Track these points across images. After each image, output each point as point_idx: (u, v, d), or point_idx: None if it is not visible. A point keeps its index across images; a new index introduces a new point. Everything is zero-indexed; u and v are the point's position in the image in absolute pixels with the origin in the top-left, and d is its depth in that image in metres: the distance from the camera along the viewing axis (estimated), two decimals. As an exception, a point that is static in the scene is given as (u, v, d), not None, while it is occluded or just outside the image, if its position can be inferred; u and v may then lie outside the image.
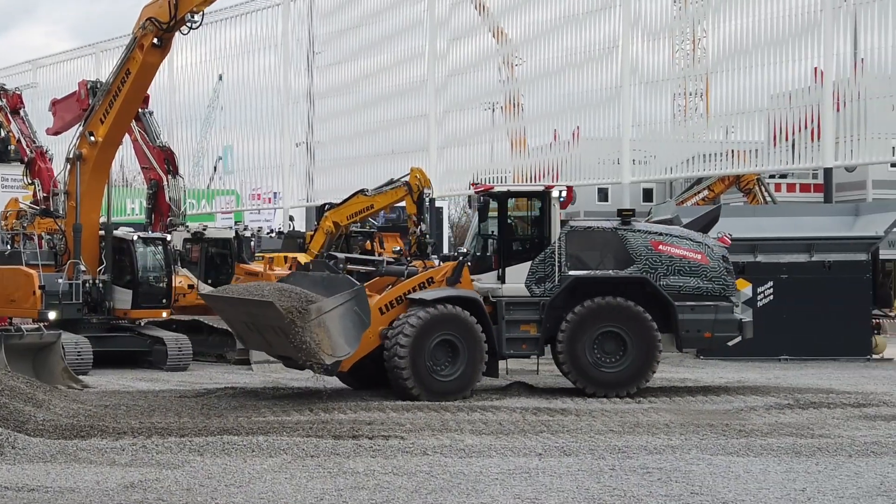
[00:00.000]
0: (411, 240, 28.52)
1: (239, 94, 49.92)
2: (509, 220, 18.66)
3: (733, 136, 36.69)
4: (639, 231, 18.09)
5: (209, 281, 27.05)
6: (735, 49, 35.39)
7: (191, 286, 26.48)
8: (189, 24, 21.60)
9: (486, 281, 18.13)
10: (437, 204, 44.89)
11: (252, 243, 31.88)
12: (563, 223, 18.44)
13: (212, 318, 25.20)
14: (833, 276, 24.20)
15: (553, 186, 18.53)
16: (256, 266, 26.64)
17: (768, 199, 42.03)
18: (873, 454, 11.89)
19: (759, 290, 24.40)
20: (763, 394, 17.52)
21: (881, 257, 27.22)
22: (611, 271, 17.90)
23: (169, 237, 25.40)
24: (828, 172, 33.15)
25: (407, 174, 28.54)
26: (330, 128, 47.41)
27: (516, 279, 17.92)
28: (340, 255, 18.99)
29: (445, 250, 45.22)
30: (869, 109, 31.38)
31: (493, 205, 18.57)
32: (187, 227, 28.88)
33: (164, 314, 24.37)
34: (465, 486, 10.27)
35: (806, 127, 32.88)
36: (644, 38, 37.67)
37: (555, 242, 17.95)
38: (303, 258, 28.55)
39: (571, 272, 17.81)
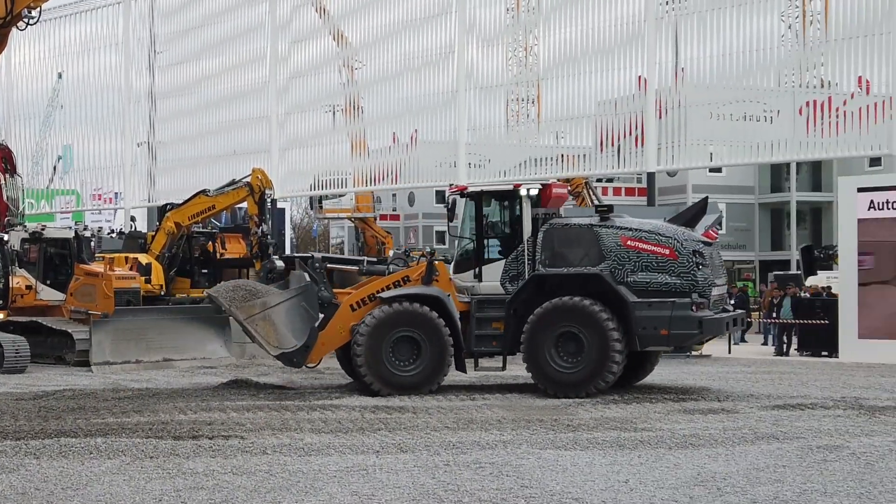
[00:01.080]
0: (253, 241, 28.27)
1: (79, 92, 48.61)
2: (485, 219, 18.38)
3: (563, 141, 37.27)
4: (612, 227, 17.49)
5: (48, 282, 26.34)
6: (565, 57, 35.93)
7: (29, 287, 25.76)
8: (26, 20, 20.92)
9: (466, 279, 18.22)
10: (280, 205, 44.54)
11: (92, 243, 31.05)
12: (545, 220, 17.99)
13: (50, 319, 24.60)
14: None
15: (521, 185, 18.19)
16: (97, 266, 26.02)
17: (596, 201, 42.81)
18: (691, 446, 12.23)
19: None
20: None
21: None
22: (572, 268, 17.48)
23: (6, 237, 24.68)
24: (651, 177, 33.96)
25: (248, 175, 28.28)
26: (172, 128, 46.55)
27: (493, 277, 17.94)
28: (318, 255, 19.34)
29: (287, 251, 44.93)
30: (689, 117, 32.23)
31: (464, 204, 18.47)
32: (25, 226, 28.03)
33: (1, 315, 23.68)
34: (303, 484, 10.25)
35: (630, 133, 33.57)
36: (479, 45, 37.98)
37: (526, 240, 17.75)
38: (144, 259, 28.05)
39: (548, 270, 17.52)
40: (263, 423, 13.90)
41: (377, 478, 10.54)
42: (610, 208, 18.29)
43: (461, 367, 18.05)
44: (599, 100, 35.20)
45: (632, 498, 9.65)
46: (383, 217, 66.34)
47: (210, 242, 31.00)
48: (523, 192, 17.91)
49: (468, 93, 37.81)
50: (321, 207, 52.91)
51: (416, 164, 40.01)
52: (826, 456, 11.45)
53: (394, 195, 75.03)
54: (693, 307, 16.89)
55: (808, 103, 30.08)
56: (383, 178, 40.81)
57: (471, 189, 18.74)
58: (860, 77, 29.16)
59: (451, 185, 22.79)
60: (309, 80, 42.40)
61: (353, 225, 57.66)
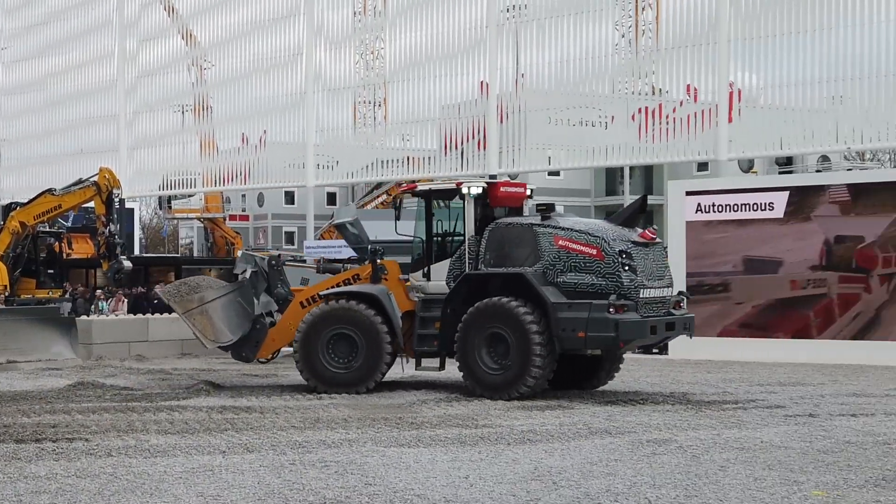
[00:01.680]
0: (100, 240, 27.69)
1: (-78, 89, 46.97)
2: (434, 218, 17.84)
3: (409, 144, 37.47)
4: (549, 227, 16.69)
5: None
6: (411, 61, 36.11)
7: None
8: None
9: (417, 278, 17.84)
10: (128, 205, 43.76)
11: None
12: (493, 219, 17.40)
13: None
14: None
15: (463, 183, 17.46)
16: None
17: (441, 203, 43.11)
18: (529, 442, 12.40)
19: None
20: (435, 388, 17.93)
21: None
22: (499, 268, 16.87)
23: None
24: (493, 179, 34.27)
25: (96, 174, 27.69)
26: (17, 126, 45.30)
27: (440, 276, 17.55)
28: (276, 253, 19.20)
29: (137, 251, 44.14)
30: (529, 122, 32.71)
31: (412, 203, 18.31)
32: None
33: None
34: (148, 486, 10.08)
35: (474, 136, 33.91)
36: (327, 47, 37.92)
37: (468, 239, 17.19)
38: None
39: (481, 270, 16.99)
40: (109, 425, 13.62)
41: (223, 478, 10.42)
42: (550, 207, 17.46)
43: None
44: (444, 103, 35.45)
45: (472, 493, 9.74)
46: (233, 217, 65.68)
47: (56, 242, 30.27)
48: (465, 190, 17.32)
49: (316, 94, 37.71)
50: (170, 208, 52.18)
51: (265, 165, 39.69)
52: (655, 449, 11.74)
53: (243, 196, 74.37)
54: (610, 309, 15.99)
55: (640, 110, 30.80)
56: (233, 179, 40.39)
57: (420, 188, 18.11)
58: (688, 85, 29.98)
59: (400, 184, 22.29)
60: (158, 79, 41.72)
61: (202, 225, 56.98)
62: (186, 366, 22.68)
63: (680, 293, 17.53)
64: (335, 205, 57.38)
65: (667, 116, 30.11)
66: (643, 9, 33.52)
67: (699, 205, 23.58)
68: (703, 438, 12.39)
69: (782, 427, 13.62)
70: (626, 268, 16.18)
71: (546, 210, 17.21)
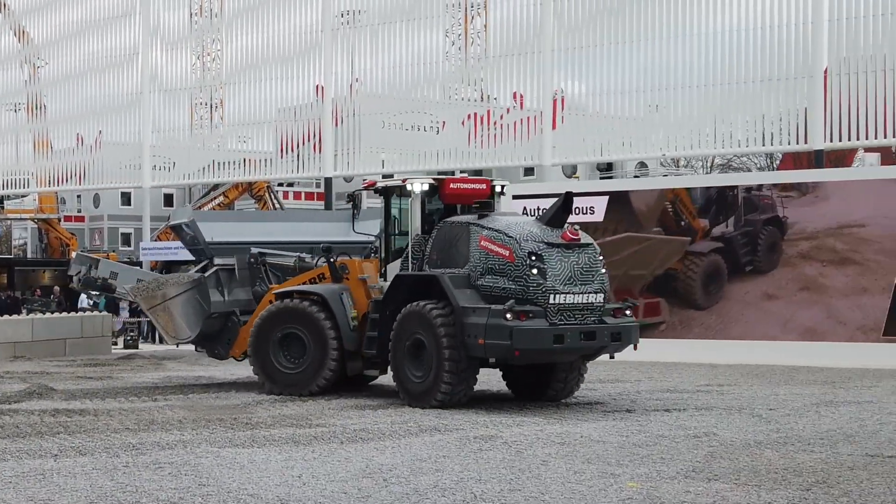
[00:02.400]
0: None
1: None
2: (392, 216, 16.81)
3: (246, 146, 37.12)
4: (478, 226, 15.40)
5: None
6: (247, 63, 35.84)
7: None
8: None
9: (374, 278, 16.92)
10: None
11: None
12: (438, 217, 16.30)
13: None
14: (335, 276, 24.95)
15: (409, 179, 16.43)
16: None
17: (277, 205, 42.81)
18: (361, 440, 12.42)
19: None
20: (269, 387, 17.82)
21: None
22: (441, 269, 15.59)
23: None
24: (328, 182, 34.24)
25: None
26: None
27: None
28: (255, 251, 18.65)
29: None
30: (363, 125, 32.80)
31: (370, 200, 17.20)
32: None
33: None
34: (-23, 492, 9.76)
35: (309, 139, 33.82)
36: (163, 48, 37.29)
37: (413, 238, 16.13)
38: None
39: (421, 271, 15.86)
40: (-62, 431, 13.14)
41: (54, 482, 10.16)
42: (487, 205, 16.14)
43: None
44: (280, 106, 35.27)
45: (304, 492, 9.72)
46: (67, 218, 63.95)
47: None
48: (408, 186, 16.28)
49: (152, 95, 37.08)
50: (2, 208, 50.48)
51: (100, 166, 38.81)
52: (482, 445, 11.91)
53: (78, 196, 72.44)
54: (507, 315, 14.58)
55: (469, 116, 31.21)
56: (67, 179, 39.35)
57: (379, 184, 16.98)
58: (515, 92, 30.52)
59: (364, 180, 21.06)
60: (-11, 77, 40.42)
61: (36, 226, 55.28)
62: (19, 369, 22.01)
63: (625, 301, 16.34)
64: (172, 206, 56.26)
65: (495, 122, 30.59)
66: (472, 17, 33.93)
67: (525, 208, 23.94)
68: (527, 434, 12.62)
69: (601, 422, 13.98)
70: (535, 270, 14.79)
71: (483, 208, 16.04)
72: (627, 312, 15.66)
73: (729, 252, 24.78)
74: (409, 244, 16.13)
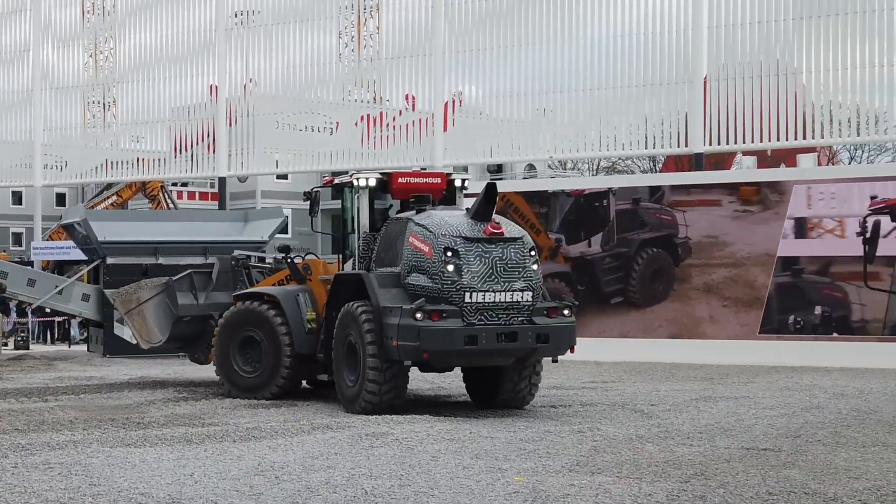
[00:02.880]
0: None
1: None
2: (350, 214, 15.78)
3: (140, 145, 36.54)
4: (411, 221, 14.41)
5: None
6: (141, 62, 35.30)
7: None
8: None
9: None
10: None
11: None
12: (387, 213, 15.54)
13: None
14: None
15: (355, 174, 15.52)
16: None
17: (171, 205, 42.25)
18: (254, 438, 12.36)
19: (161, 290, 24.41)
20: (162, 388, 17.63)
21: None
22: (385, 268, 14.62)
23: None
24: (222, 181, 33.92)
25: None
26: None
27: None
28: (237, 253, 18.08)
29: None
30: (257, 126, 32.56)
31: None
32: None
33: None
34: None
35: (203, 139, 33.45)
36: (55, 45, 36.55)
37: (361, 235, 15.26)
38: None
39: (379, 269, 14.78)
40: None
41: (-58, 485, 9.93)
42: (425, 199, 15.10)
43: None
44: (174, 106, 34.80)
45: (196, 490, 9.64)
46: (-43, 217, 62.22)
47: None
48: (354, 182, 15.40)
49: (44, 93, 36.32)
50: None
51: (-13, 164, 37.87)
52: (373, 442, 11.93)
53: (-33, 195, 70.53)
54: (417, 315, 13.69)
55: (362, 117, 31.19)
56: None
57: (337, 181, 16.12)
58: (408, 94, 30.59)
59: (324, 176, 19.38)
60: None
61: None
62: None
63: (562, 299, 14.90)
64: (64, 205, 55.12)
65: (388, 124, 30.62)
66: (365, 19, 33.90)
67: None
68: (418, 431, 12.67)
69: (489, 419, 14.11)
70: (451, 267, 13.72)
71: (420, 202, 14.99)
72: (565, 312, 14.33)
73: (586, 277, 23.79)
74: (357, 243, 15.35)
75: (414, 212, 14.68)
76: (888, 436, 12.65)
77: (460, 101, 30.03)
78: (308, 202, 16.21)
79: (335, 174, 16.91)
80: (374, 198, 15.51)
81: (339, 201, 15.96)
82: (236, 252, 18.36)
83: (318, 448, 11.62)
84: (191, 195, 53.90)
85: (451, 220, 14.13)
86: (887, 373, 20.00)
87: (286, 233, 50.94)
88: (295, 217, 53.46)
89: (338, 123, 31.96)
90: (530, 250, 14.10)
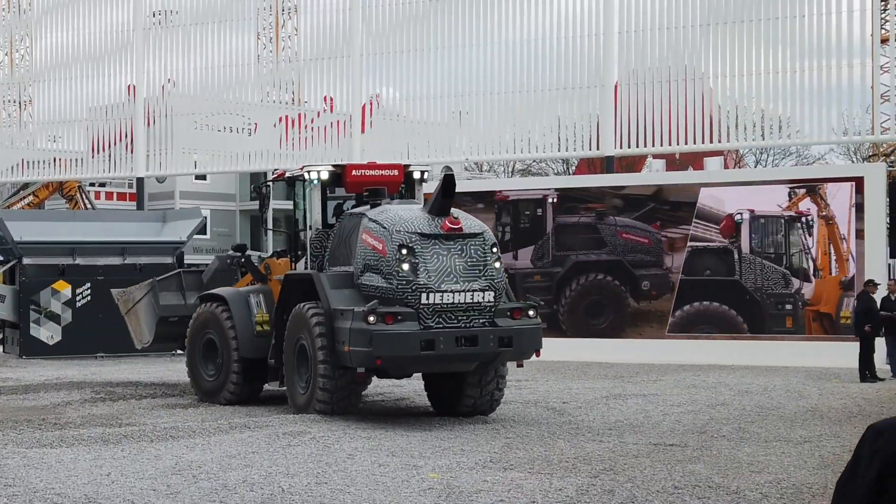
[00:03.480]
0: None
1: None
2: (302, 209, 14.88)
3: (57, 145, 35.92)
4: (364, 217, 13.33)
5: None
6: (58, 60, 34.71)
7: None
8: None
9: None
10: None
11: None
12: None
13: None
14: (144, 277, 24.26)
15: (307, 167, 14.61)
16: None
17: (88, 205, 41.62)
18: (171, 438, 12.28)
19: (78, 291, 24.12)
20: (80, 389, 17.39)
21: (186, 261, 27.94)
22: (337, 268, 13.67)
23: None
24: (140, 182, 33.54)
25: None
26: None
27: None
28: (231, 252, 16.70)
29: None
30: (176, 126, 32.21)
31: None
32: None
33: None
34: None
35: (122, 139, 33.02)
36: (-31, 43, 35.85)
37: (312, 232, 14.33)
38: None
39: (333, 268, 13.82)
40: None
41: None
42: (379, 192, 13.93)
43: (274, 376, 14.80)
44: (91, 105, 34.29)
45: (113, 490, 9.56)
46: None
47: None
48: (306, 175, 14.43)
49: (-43, 91, 35.53)
50: None
51: None
52: (290, 441, 11.92)
53: None
54: (369, 318, 12.56)
55: (281, 118, 31.04)
56: None
57: (288, 174, 15.17)
58: (326, 96, 30.51)
59: (274, 171, 18.35)
60: None
61: None
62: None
63: (527, 299, 14.00)
64: (-22, 203, 53.95)
65: (306, 126, 30.51)
66: (283, 21, 33.75)
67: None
68: (335, 430, 12.68)
69: (405, 417, 14.17)
70: (406, 266, 12.66)
71: (373, 196, 13.86)
72: (530, 313, 13.35)
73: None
74: (308, 240, 14.41)
75: (368, 206, 13.66)
76: (789, 431, 12.97)
77: (378, 104, 30.01)
78: (257, 198, 15.42)
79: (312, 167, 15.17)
80: (326, 192, 14.64)
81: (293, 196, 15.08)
82: (231, 250, 16.92)
83: (235, 447, 11.58)
84: (108, 195, 53.08)
85: (407, 214, 13.08)
86: (789, 370, 20.48)
87: (204, 233, 50.48)
88: (213, 218, 52.99)
89: (256, 124, 31.77)
90: (492, 247, 13.07)
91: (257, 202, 15.67)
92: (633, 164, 38.15)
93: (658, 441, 12.13)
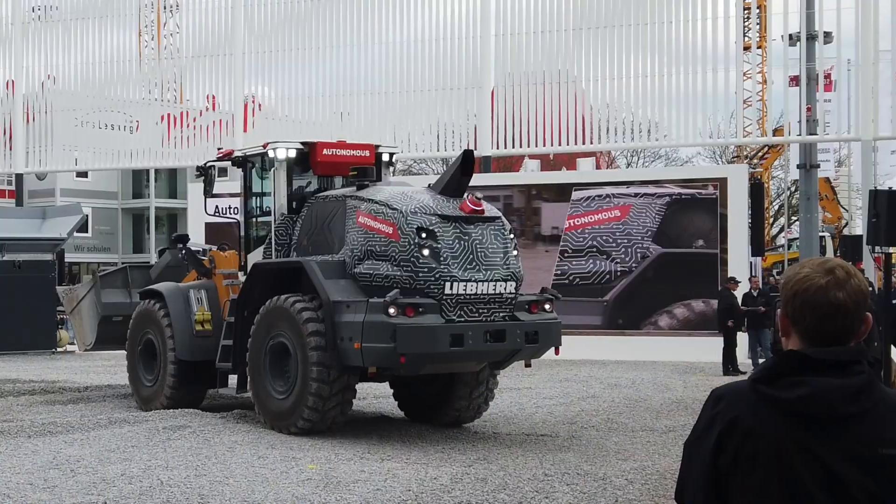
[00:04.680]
0: None
1: None
2: (253, 193, 13.29)
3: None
4: (356, 199, 11.74)
5: None
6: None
7: None
8: None
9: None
10: None
11: None
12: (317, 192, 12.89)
13: None
14: (23, 274, 23.84)
15: (271, 144, 12.73)
16: None
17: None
18: (49, 433, 12.07)
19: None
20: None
21: (66, 259, 27.42)
22: (316, 257, 11.95)
23: None
24: (19, 178, 32.72)
25: None
26: None
27: None
28: (182, 245, 14.63)
29: None
30: (56, 123, 31.49)
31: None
32: None
33: None
34: None
35: (1, 135, 32.16)
36: None
37: (278, 217, 12.64)
38: None
39: (302, 257, 12.16)
40: None
41: None
42: (364, 171, 12.31)
43: (222, 382, 13.43)
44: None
45: (-12, 486, 9.39)
46: None
47: None
48: (270, 153, 12.67)
49: None
50: None
51: None
52: (170, 435, 11.80)
53: None
54: (390, 310, 10.82)
55: (163, 116, 30.59)
56: None
57: (237, 153, 13.55)
58: (209, 94, 30.16)
59: (219, 148, 16.07)
60: None
61: None
62: None
63: (543, 291, 12.04)
64: None
65: (189, 124, 30.12)
66: (165, 19, 33.25)
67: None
68: (215, 424, 12.59)
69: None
70: (426, 251, 11.02)
71: (360, 176, 12.23)
72: (547, 307, 11.83)
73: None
74: (273, 227, 12.68)
75: (355, 188, 12.10)
76: (655, 421, 13.33)
77: (259, 105, 29.77)
78: (202, 179, 13.64)
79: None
80: (292, 174, 12.89)
81: (241, 179, 13.49)
82: (180, 243, 14.81)
83: (114, 442, 11.43)
84: (-12, 192, 51.78)
85: (415, 195, 11.53)
86: (657, 365, 20.99)
87: (86, 231, 49.41)
88: (96, 215, 51.94)
89: (138, 122, 31.24)
90: (509, 232, 11.64)
91: (202, 187, 13.90)
92: (510, 164, 38.57)
93: (531, 432, 12.35)
